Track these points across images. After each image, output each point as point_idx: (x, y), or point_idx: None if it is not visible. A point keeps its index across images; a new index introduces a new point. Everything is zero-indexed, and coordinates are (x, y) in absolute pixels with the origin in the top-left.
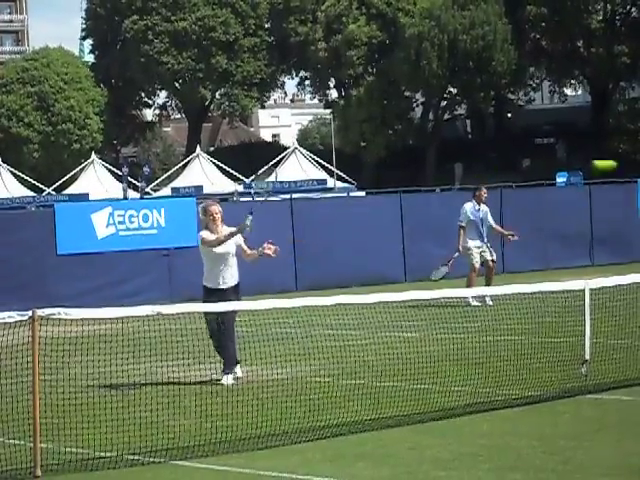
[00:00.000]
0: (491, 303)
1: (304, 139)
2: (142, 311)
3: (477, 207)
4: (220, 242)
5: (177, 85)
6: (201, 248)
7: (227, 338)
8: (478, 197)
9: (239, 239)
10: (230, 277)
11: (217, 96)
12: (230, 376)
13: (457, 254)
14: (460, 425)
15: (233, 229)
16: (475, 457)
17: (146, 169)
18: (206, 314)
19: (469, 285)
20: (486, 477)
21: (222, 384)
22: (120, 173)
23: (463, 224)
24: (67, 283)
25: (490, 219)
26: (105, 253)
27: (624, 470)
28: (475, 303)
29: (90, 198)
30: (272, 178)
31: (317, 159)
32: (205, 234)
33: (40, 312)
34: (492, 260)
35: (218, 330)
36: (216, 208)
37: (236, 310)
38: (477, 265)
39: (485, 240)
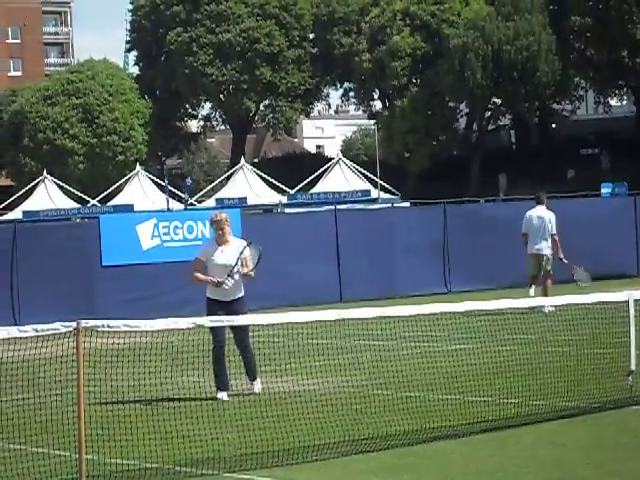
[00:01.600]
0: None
1: (348, 150)
2: (183, 323)
3: None
4: (195, 277)
5: (221, 97)
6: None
7: (247, 350)
8: (547, 204)
9: (246, 252)
10: (232, 290)
11: (261, 107)
12: (259, 383)
13: (566, 260)
14: (505, 437)
15: (213, 279)
16: (520, 469)
17: (188, 180)
18: (212, 328)
19: (547, 293)
20: None
21: (256, 393)
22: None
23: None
24: (112, 294)
25: None
26: (150, 264)
27: None
28: (550, 309)
29: (135, 209)
30: (316, 189)
31: (361, 170)
32: (201, 254)
33: (84, 324)
34: None
35: (222, 346)
36: (225, 216)
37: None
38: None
39: None
